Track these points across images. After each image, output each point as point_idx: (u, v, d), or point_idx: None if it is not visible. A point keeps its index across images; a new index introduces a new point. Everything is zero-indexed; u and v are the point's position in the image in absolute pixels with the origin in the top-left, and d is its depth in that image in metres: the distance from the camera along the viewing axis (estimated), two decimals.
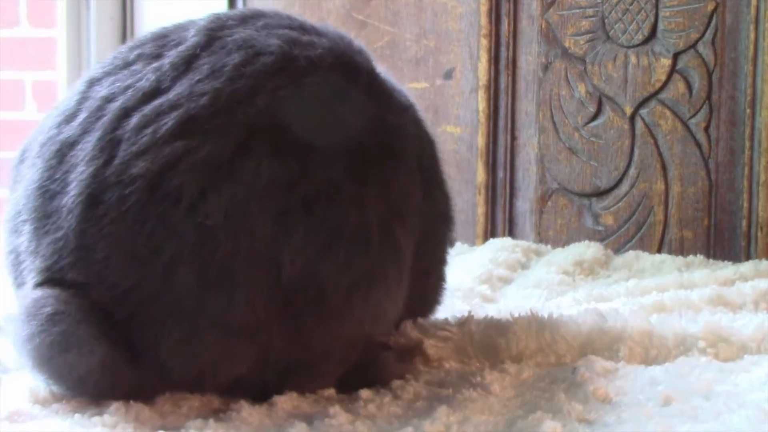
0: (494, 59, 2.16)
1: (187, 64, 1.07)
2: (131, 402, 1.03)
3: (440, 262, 1.31)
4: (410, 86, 2.21)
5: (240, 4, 2.44)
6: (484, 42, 2.17)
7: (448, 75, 2.22)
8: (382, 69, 1.23)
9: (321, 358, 1.07)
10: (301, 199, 1.02)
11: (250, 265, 1.00)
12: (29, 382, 1.06)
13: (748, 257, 1.91)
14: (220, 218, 0.99)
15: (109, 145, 1.02)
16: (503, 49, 2.16)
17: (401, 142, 1.16)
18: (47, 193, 1.04)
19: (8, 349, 1.12)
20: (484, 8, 2.16)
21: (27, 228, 1.05)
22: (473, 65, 2.18)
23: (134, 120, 1.03)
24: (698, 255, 1.90)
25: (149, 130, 1.01)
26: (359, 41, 1.22)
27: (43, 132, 1.10)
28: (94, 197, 1.00)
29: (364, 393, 1.09)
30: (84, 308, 0.99)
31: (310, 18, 1.25)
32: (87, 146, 1.03)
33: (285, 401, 1.06)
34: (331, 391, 1.10)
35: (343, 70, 1.13)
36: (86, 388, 1.01)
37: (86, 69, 2.57)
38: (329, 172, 1.04)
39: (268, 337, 1.02)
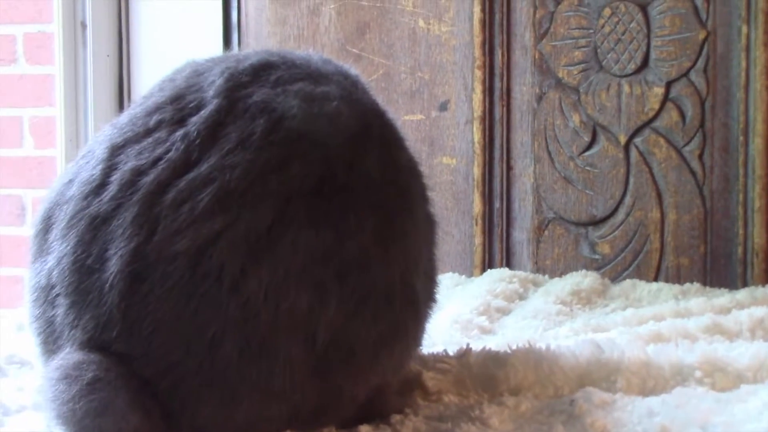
0: (489, 90, 2.18)
1: (213, 132, 1.07)
2: None
3: (431, 261, 1.31)
4: (406, 118, 2.22)
5: (234, 38, 2.46)
6: (479, 73, 2.18)
7: (443, 107, 2.23)
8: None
9: (347, 404, 1.09)
10: (336, 270, 1.04)
11: (289, 336, 1.02)
12: (31, 424, 1.06)
13: (744, 284, 1.92)
14: (260, 295, 1.01)
15: (148, 221, 1.03)
16: (497, 80, 2.18)
17: (412, 181, 1.18)
18: (83, 268, 1.04)
19: (8, 391, 1.12)
20: (477, 40, 2.18)
21: (62, 301, 1.06)
22: (468, 97, 2.20)
23: (171, 196, 1.03)
24: (695, 282, 1.90)
25: (186, 207, 1.02)
26: (356, 71, 1.23)
27: (68, 202, 1.09)
28: (137, 274, 1.01)
29: (364, 428, 1.09)
30: (125, 376, 1.00)
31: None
32: (125, 222, 1.03)
33: None
34: (331, 428, 1.10)
35: (358, 119, 1.13)
36: None
37: (83, 105, 2.59)
38: (361, 239, 1.06)
39: (302, 396, 1.04)
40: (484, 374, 1.23)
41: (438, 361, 1.26)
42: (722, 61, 1.97)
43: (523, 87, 2.16)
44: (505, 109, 2.17)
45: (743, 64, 1.94)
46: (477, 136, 2.19)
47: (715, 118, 1.97)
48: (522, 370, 1.22)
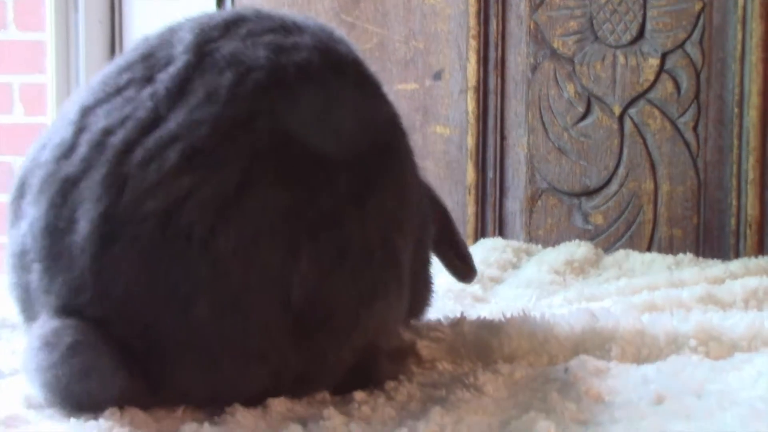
0: (483, 60, 2.17)
1: (181, 87, 1.06)
2: (125, 406, 1.03)
3: (425, 263, 1.31)
4: (399, 87, 2.21)
5: (229, 5, 2.44)
6: (473, 43, 2.17)
7: (438, 76, 2.22)
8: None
9: (332, 368, 1.08)
10: (307, 226, 1.03)
11: (262, 292, 1.01)
12: (24, 387, 1.05)
13: (737, 255, 1.92)
14: (230, 253, 1.00)
15: (117, 181, 1.02)
16: (492, 50, 2.17)
17: (395, 135, 1.16)
18: (55, 231, 1.03)
19: (1, 354, 1.12)
20: (472, 9, 2.17)
21: (37, 267, 1.05)
22: (462, 66, 2.19)
23: (138, 155, 1.02)
24: (687, 253, 1.90)
25: (154, 165, 1.01)
26: (340, 31, 1.22)
27: (41, 166, 1.08)
28: (107, 236, 1.01)
29: (358, 395, 1.09)
30: (104, 338, 1.00)
31: None
32: (93, 184, 1.03)
33: (279, 404, 1.06)
34: (324, 394, 1.10)
35: (332, 69, 1.13)
36: (102, 410, 1.01)
37: (75, 72, 2.57)
38: (332, 195, 1.05)
39: (281, 357, 1.03)
40: (478, 342, 1.23)
41: (432, 329, 1.26)
42: (718, 33, 1.96)
43: (518, 57, 2.15)
44: (499, 79, 2.16)
45: (739, 36, 1.94)
46: (471, 105, 2.18)
47: (710, 89, 1.97)
48: (516, 339, 1.22)
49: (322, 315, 1.04)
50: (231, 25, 1.13)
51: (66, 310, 1.02)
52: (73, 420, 0.99)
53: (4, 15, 2.80)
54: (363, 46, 2.23)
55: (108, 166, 1.03)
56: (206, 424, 0.99)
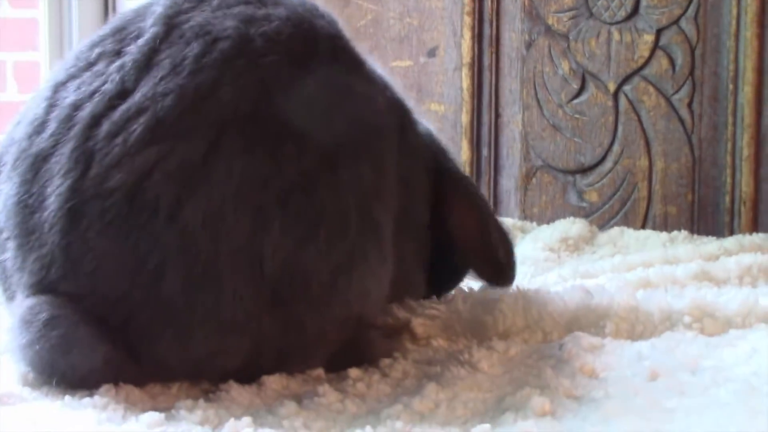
0: (477, 37, 2.16)
1: (148, 60, 1.06)
2: (120, 383, 1.03)
3: (421, 243, 1.30)
4: (394, 64, 2.21)
5: None
6: (468, 20, 2.17)
7: (432, 53, 2.22)
8: (365, 56, 1.22)
9: (314, 341, 1.08)
10: (275, 195, 1.03)
11: (233, 263, 1.01)
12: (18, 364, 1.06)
13: (731, 232, 1.92)
14: (198, 223, 1.00)
15: (83, 156, 1.02)
16: (486, 26, 2.16)
17: (369, 109, 1.15)
18: (26, 208, 1.04)
19: None
20: None
21: (11, 244, 1.06)
22: (457, 43, 2.18)
23: (104, 128, 1.03)
24: (682, 230, 1.90)
25: (120, 139, 1.02)
26: (326, 8, 1.21)
27: (14, 143, 1.09)
28: (75, 211, 1.01)
29: (353, 372, 1.09)
30: (79, 311, 1.00)
31: None
32: (61, 159, 1.03)
33: (274, 381, 1.06)
34: (319, 371, 1.10)
35: (303, 40, 1.12)
36: (90, 385, 1.01)
37: (68, 49, 2.56)
38: (302, 163, 1.05)
39: (259, 328, 1.03)
40: (473, 319, 1.23)
41: (426, 307, 1.26)
42: (713, 9, 1.95)
43: (513, 33, 2.15)
44: (494, 55, 2.16)
45: (734, 12, 1.93)
46: (465, 82, 2.17)
47: (705, 66, 1.97)
48: (511, 316, 1.22)
49: (298, 285, 1.04)
50: None
51: (39, 287, 1.03)
52: (67, 397, 0.99)
53: None
54: (357, 22, 2.22)
55: (75, 141, 1.03)
56: (201, 401, 1.00)
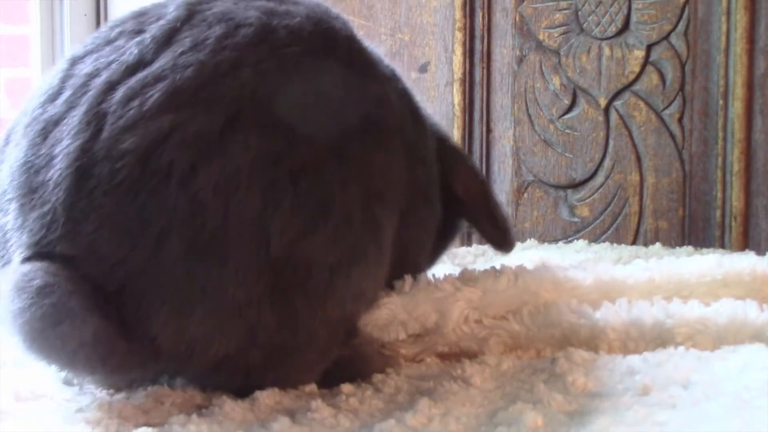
0: (469, 52, 2.17)
1: (168, 37, 1.07)
2: (113, 398, 1.03)
3: (420, 246, 1.30)
4: None
5: None
6: (459, 35, 2.18)
7: (423, 69, 2.23)
8: (368, 43, 1.24)
9: (306, 344, 1.07)
10: (288, 172, 1.03)
11: (240, 235, 1.00)
12: (11, 380, 1.06)
13: (722, 247, 1.93)
14: (210, 191, 1.00)
15: (96, 118, 1.02)
16: (478, 42, 2.17)
17: (382, 112, 1.16)
18: (32, 168, 1.03)
19: None
20: (458, 2, 2.17)
21: (13, 206, 1.04)
22: (448, 59, 2.19)
23: (120, 93, 1.03)
24: (679, 246, 1.91)
25: (135, 103, 1.02)
26: (336, 10, 1.22)
27: (26, 114, 1.09)
28: (83, 171, 1.00)
29: (346, 387, 1.10)
30: (74, 280, 0.99)
31: None
32: (73, 121, 1.03)
33: (267, 396, 1.06)
34: (312, 386, 1.11)
35: (323, 38, 1.13)
36: (78, 362, 1.00)
37: None
38: (313, 147, 1.05)
39: (257, 314, 1.03)
40: None
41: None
42: (703, 25, 1.96)
43: (504, 49, 2.16)
44: (485, 71, 2.17)
45: (724, 27, 1.94)
46: (457, 98, 2.18)
47: (695, 81, 1.98)
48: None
49: (300, 274, 1.04)
50: None
51: (37, 247, 1.01)
52: (62, 411, 0.99)
53: None
54: None
55: (88, 105, 1.03)
56: (194, 416, 1.00)
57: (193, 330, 1.01)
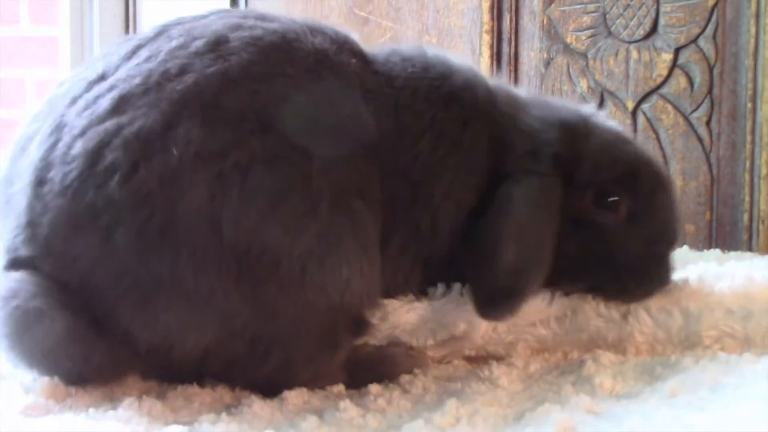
0: (496, 55, 2.17)
1: (132, 53, 1.13)
2: (144, 397, 1.04)
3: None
4: None
5: (242, 4, 2.45)
6: (486, 38, 2.18)
7: None
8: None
9: (293, 332, 1.08)
10: (233, 164, 1.05)
11: (190, 225, 1.03)
12: (45, 377, 1.07)
13: (749, 250, 1.92)
14: (154, 185, 1.03)
15: (57, 130, 1.08)
16: (505, 45, 2.17)
17: (349, 121, 1.16)
18: (9, 182, 1.11)
19: None
20: (486, 4, 2.17)
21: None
22: (475, 61, 2.19)
23: (78, 105, 1.09)
24: (706, 249, 1.90)
25: (88, 113, 1.08)
26: (333, 27, 1.23)
27: (19, 131, 1.16)
28: (41, 178, 1.06)
29: (374, 388, 1.10)
30: (36, 282, 1.04)
31: (312, 16, 1.26)
32: (42, 135, 1.09)
33: (295, 396, 1.07)
34: (340, 387, 1.11)
35: (282, 50, 1.15)
36: (60, 362, 1.04)
37: None
38: (266, 141, 1.07)
39: (225, 302, 1.04)
40: None
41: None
42: (731, 28, 1.96)
43: (531, 52, 2.16)
44: (512, 74, 2.17)
45: (752, 30, 1.93)
46: None
47: (723, 84, 1.97)
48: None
49: (267, 264, 1.05)
50: (216, 12, 1.21)
51: (8, 254, 1.08)
52: (91, 410, 1.00)
53: (17, 10, 2.81)
54: (376, 41, 2.23)
55: (53, 118, 1.10)
56: (223, 415, 1.00)
57: (163, 319, 1.04)
